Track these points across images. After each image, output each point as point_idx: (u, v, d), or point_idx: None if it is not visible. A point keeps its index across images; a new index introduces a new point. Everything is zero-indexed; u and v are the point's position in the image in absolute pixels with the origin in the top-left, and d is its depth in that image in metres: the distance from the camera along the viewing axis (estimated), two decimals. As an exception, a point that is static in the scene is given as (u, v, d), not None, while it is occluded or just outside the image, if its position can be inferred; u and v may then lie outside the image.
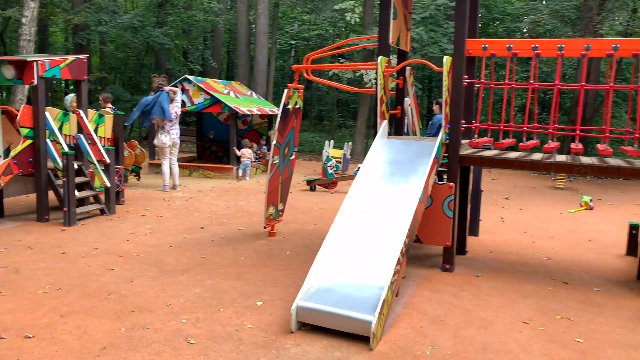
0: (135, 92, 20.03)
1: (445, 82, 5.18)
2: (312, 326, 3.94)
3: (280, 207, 6.81)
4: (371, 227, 4.59)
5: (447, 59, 5.17)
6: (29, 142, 6.91)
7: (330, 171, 10.65)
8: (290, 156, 6.72)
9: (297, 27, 27.18)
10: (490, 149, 6.11)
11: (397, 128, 6.23)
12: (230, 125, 12.09)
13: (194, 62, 21.95)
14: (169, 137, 9.68)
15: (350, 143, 13.36)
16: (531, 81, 5.38)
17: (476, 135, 5.74)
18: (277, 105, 22.48)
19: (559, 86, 5.21)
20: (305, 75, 6.24)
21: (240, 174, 11.67)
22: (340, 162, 11.58)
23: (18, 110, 6.99)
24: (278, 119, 6.12)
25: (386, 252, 4.31)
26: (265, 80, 16.92)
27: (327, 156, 10.79)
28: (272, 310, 4.29)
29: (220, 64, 23.14)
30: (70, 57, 7.41)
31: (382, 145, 5.38)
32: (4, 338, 3.63)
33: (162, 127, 9.72)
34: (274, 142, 6.17)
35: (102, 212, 7.66)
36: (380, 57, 5.36)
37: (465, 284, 5.10)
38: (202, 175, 12.05)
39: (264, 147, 13.64)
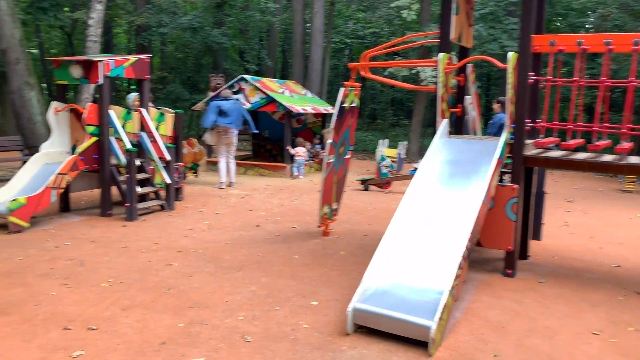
0: (194, 92, 20.52)
1: (510, 79, 4.98)
2: (368, 329, 3.87)
3: (334, 206, 6.76)
4: (429, 229, 4.46)
5: (512, 55, 4.96)
6: (94, 139, 7.17)
7: (384, 171, 10.52)
8: (345, 155, 6.66)
9: (351, 25, 27.07)
10: (554, 149, 5.83)
11: (457, 127, 6.05)
12: (285, 124, 12.16)
13: (250, 62, 22.27)
14: (211, 136, 9.87)
15: (405, 142, 13.15)
16: (603, 78, 5.08)
17: (542, 135, 5.49)
18: (332, 104, 22.50)
19: (634, 83, 4.89)
20: (362, 73, 6.16)
21: (294, 173, 11.72)
22: (395, 162, 11.41)
23: (84, 109, 7.25)
24: (334, 118, 6.07)
25: (446, 255, 4.17)
26: (320, 79, 16.94)
27: (382, 155, 10.66)
28: (327, 311, 4.24)
29: (275, 63, 23.37)
30: (134, 57, 7.64)
31: (442, 145, 5.23)
32: (69, 329, 3.75)
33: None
34: (329, 140, 6.12)
35: (162, 208, 7.85)
36: (441, 54, 5.21)
37: (528, 290, 4.88)
38: (257, 173, 12.18)
39: (318, 145, 13.65)
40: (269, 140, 13.91)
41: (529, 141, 5.38)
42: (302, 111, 12.06)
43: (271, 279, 4.97)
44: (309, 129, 13.79)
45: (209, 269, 5.23)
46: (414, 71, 14.50)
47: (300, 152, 11.97)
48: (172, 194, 7.97)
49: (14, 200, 6.32)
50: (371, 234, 6.82)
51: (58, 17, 15.91)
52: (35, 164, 7.18)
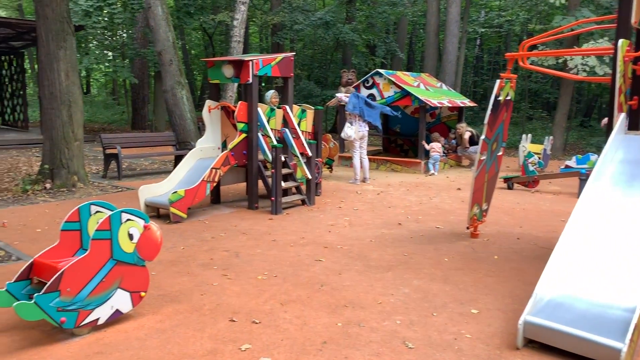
0: (325, 88, 20.84)
1: (620, 67, 4.29)
2: (540, 344, 3.54)
3: (484, 206, 6.39)
4: (612, 237, 3.98)
5: (622, 43, 4.28)
6: (243, 135, 7.47)
7: (531, 168, 9.81)
8: (498, 152, 6.25)
9: (484, 14, 25.81)
10: None
11: (630, 122, 5.38)
12: (420, 118, 11.84)
13: (378, 56, 22.13)
14: (354, 130, 9.76)
15: (551, 137, 12.20)
16: None
17: None
18: (467, 97, 21.62)
19: None
20: (521, 63, 5.72)
21: (430, 169, 11.38)
22: (541, 158, 10.60)
23: (235, 106, 7.59)
24: (488, 112, 5.71)
25: (635, 269, 3.69)
26: (454, 71, 16.32)
27: (529, 152, 9.94)
28: (489, 321, 3.97)
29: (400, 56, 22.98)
30: (280, 56, 7.83)
31: (619, 142, 4.67)
32: (235, 321, 3.88)
33: (350, 120, 9.83)
34: (482, 136, 5.77)
35: (303, 202, 8.00)
36: (621, 40, 4.64)
37: None
38: (389, 169, 12.02)
39: (453, 141, 13.14)
40: (401, 135, 13.68)
41: None
42: (438, 105, 11.67)
43: (423, 282, 4.78)
44: (444, 123, 13.33)
45: (357, 267, 5.18)
46: (561, 60, 13.38)
47: (436, 147, 11.60)
48: (313, 189, 8.08)
49: (174, 192, 6.78)
50: (524, 238, 6.35)
51: (203, 20, 16.97)
52: (191, 158, 7.65)
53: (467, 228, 6.33)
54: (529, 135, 12.13)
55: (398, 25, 23.79)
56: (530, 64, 13.90)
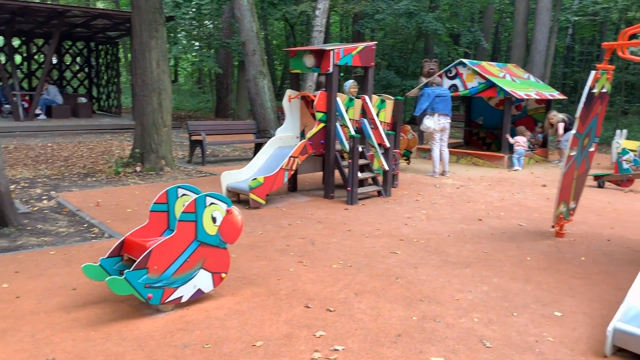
0: (405, 78, 20.54)
1: None
2: (630, 354, 3.32)
3: (572, 205, 6.05)
4: None
5: None
6: (322, 125, 7.52)
7: (626, 166, 9.17)
8: (590, 148, 5.89)
9: (577, 1, 24.27)
10: None
11: None
12: (505, 110, 11.38)
13: (462, 45, 21.45)
14: (433, 122, 9.54)
15: (649, 133, 11.32)
16: None
17: None
18: (557, 89, 20.54)
19: None
20: (620, 53, 5.33)
21: (514, 164, 10.93)
22: (637, 156, 9.88)
23: (314, 96, 7.64)
24: (580, 105, 5.38)
25: None
26: (543, 62, 15.52)
27: (623, 148, 9.30)
28: (574, 325, 3.77)
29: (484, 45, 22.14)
30: (361, 45, 7.79)
31: None
32: (310, 307, 3.94)
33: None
34: (573, 131, 5.45)
35: (379, 194, 7.95)
36: None
37: None
38: (470, 163, 11.67)
39: (540, 135, 12.54)
40: (483, 128, 13.22)
41: None
42: (525, 97, 11.15)
43: (503, 281, 4.62)
44: (530, 116, 12.74)
45: (434, 261, 5.09)
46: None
47: (521, 141, 11.11)
48: (390, 181, 8.01)
49: (254, 179, 6.96)
50: (615, 240, 5.96)
51: (285, 10, 17.20)
52: (270, 146, 7.81)
53: (553, 227, 6.03)
54: (624, 131, 11.33)
55: (484, 14, 22.94)
56: (631, 54, 12.94)
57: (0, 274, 4.45)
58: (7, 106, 16.08)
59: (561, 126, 11.29)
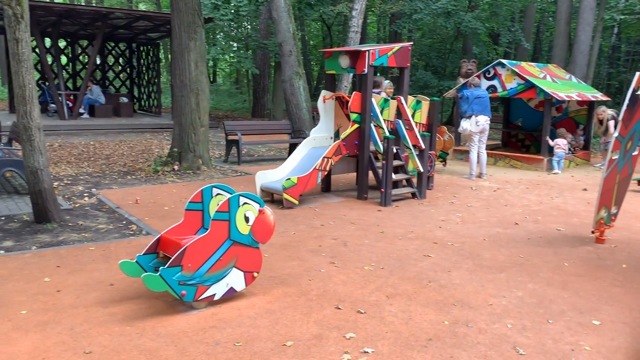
0: (442, 78, 20.29)
1: None
2: (672, 366, 3.20)
3: (613, 210, 5.87)
4: None
5: None
6: (356, 126, 7.51)
7: (672, 171, 8.80)
8: (633, 152, 5.70)
9: (623, 0, 23.46)
10: None
11: None
12: (545, 112, 11.10)
13: (501, 45, 21.04)
14: (470, 124, 9.39)
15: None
16: None
17: None
18: (601, 90, 19.91)
19: None
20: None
21: (554, 167, 10.66)
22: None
23: (349, 97, 7.64)
24: (624, 108, 5.22)
25: None
26: (586, 62, 15.07)
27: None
28: (612, 334, 3.65)
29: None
30: (397, 46, 7.75)
31: None
32: (340, 309, 3.94)
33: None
34: (615, 134, 5.28)
35: (414, 195, 7.88)
36: None
37: None
38: (507, 165, 11.44)
39: (581, 137, 12.20)
40: (522, 130, 12.94)
41: None
42: (566, 98, 10.86)
43: (539, 287, 4.51)
44: (571, 118, 12.40)
45: (467, 265, 5.01)
46: None
47: (561, 144, 10.83)
48: (424, 183, 7.94)
49: (287, 179, 7.01)
50: (659, 247, 5.75)
51: (323, 11, 17.25)
52: (304, 147, 7.85)
53: (592, 232, 5.86)
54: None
55: (525, 13, 22.44)
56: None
57: (43, 268, 4.62)
58: (52, 105, 16.66)
59: (612, 124, 10.88)
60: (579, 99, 11.26)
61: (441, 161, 10.70)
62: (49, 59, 17.26)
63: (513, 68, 11.16)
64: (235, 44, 21.07)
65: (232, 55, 19.96)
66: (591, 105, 12.02)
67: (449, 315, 3.90)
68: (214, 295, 3.87)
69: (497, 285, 4.51)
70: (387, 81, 8.73)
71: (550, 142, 10.91)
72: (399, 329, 3.64)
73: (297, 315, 3.81)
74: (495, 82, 11.44)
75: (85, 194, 7.60)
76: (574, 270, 4.95)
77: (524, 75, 10.96)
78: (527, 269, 4.96)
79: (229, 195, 3.94)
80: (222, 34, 20.72)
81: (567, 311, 4.03)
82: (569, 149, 11.34)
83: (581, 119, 12.27)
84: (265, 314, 3.83)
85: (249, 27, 21.27)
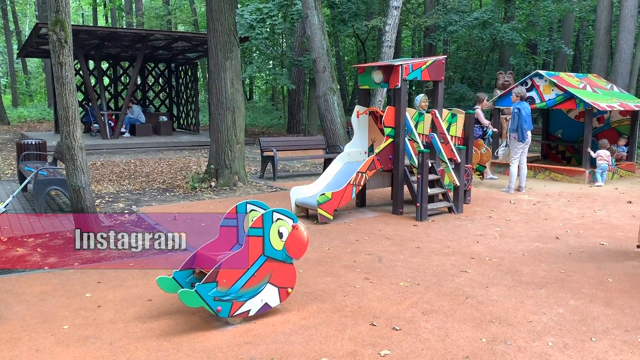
0: (479, 91, 20.05)
1: None
2: None
3: (660, 223, 5.64)
4: None
5: None
6: (390, 140, 7.49)
7: None
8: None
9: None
10: None
11: None
12: (586, 123, 10.81)
13: (539, 56, 20.66)
14: (505, 152, 9.28)
15: None
16: None
17: None
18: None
19: None
20: None
21: (598, 179, 10.34)
22: None
23: (382, 111, 7.64)
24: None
25: None
26: (629, 71, 14.64)
27: None
28: (661, 354, 3.49)
29: (565, 55, 21.19)
30: (431, 59, 7.72)
31: None
32: (375, 325, 3.91)
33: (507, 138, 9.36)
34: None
35: (450, 210, 7.77)
36: None
37: None
38: (548, 178, 11.16)
39: (623, 147, 11.81)
40: (562, 141, 12.62)
41: None
42: (607, 108, 10.55)
43: (581, 303, 4.37)
44: (613, 128, 12.02)
45: (506, 281, 4.90)
46: None
47: (604, 155, 10.51)
48: (461, 197, 7.83)
49: (322, 194, 7.03)
50: None
51: (356, 26, 17.36)
52: (339, 162, 7.87)
53: (638, 247, 5.64)
54: None
55: (563, 23, 22.02)
56: None
57: (84, 284, 4.76)
58: (95, 125, 17.25)
59: None
60: (621, 108, 10.93)
61: (478, 174, 10.53)
62: (92, 81, 17.91)
63: (551, 79, 10.94)
64: (271, 62, 21.39)
65: (267, 72, 20.27)
66: (635, 115, 11.64)
67: (487, 332, 3.81)
68: (249, 311, 3.90)
69: (537, 302, 4.39)
70: (422, 95, 8.67)
71: (592, 154, 10.60)
72: (435, 347, 3.58)
73: (331, 332, 3.79)
74: (533, 94, 11.22)
75: (125, 211, 7.80)
76: (618, 286, 4.77)
77: (563, 86, 10.72)
78: (568, 284, 4.81)
79: (262, 211, 3.98)
80: (257, 52, 21.09)
81: (611, 329, 3.88)
82: (612, 161, 10.99)
83: (624, 129, 11.88)
84: (300, 330, 3.82)
85: (284, 44, 21.58)
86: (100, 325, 3.89)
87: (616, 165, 11.27)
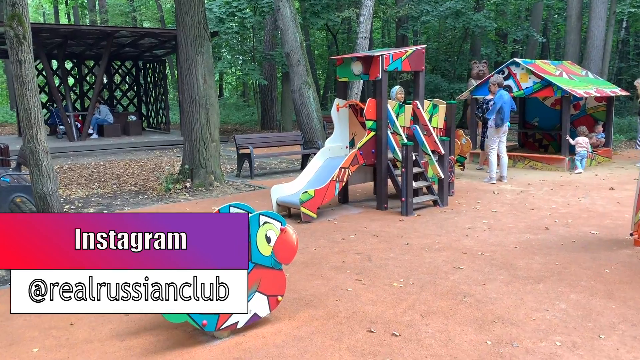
0: (452, 81, 20.03)
1: None
2: None
3: (652, 210, 5.54)
4: None
5: None
6: (372, 134, 7.25)
7: None
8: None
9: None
10: None
11: None
12: (563, 110, 10.78)
13: (509, 44, 20.72)
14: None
15: None
16: None
17: None
18: (619, 85, 19.48)
19: None
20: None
21: (578, 166, 10.31)
22: None
23: (363, 104, 7.39)
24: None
25: None
26: (601, 57, 14.73)
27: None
28: (673, 349, 3.34)
29: (535, 43, 21.30)
30: (411, 49, 7.50)
31: None
32: (373, 332, 3.66)
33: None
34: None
35: (435, 203, 7.60)
36: None
37: None
38: (527, 166, 11.11)
39: (600, 134, 11.84)
40: (539, 129, 12.60)
41: None
42: (585, 95, 10.53)
43: (582, 297, 4.21)
44: (589, 115, 12.05)
45: (502, 277, 4.72)
46: None
47: (582, 142, 10.49)
48: (446, 189, 7.66)
49: (304, 192, 6.76)
50: None
51: (328, 18, 17.07)
52: (320, 158, 7.60)
53: (631, 234, 5.54)
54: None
55: (531, 12, 22.14)
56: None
57: (55, 299, 4.39)
58: (61, 127, 16.58)
59: None
60: (598, 94, 10.93)
61: (459, 165, 10.40)
62: (56, 81, 17.21)
63: (528, 67, 10.86)
64: (241, 57, 20.93)
65: (238, 68, 19.81)
66: (610, 101, 11.67)
67: (491, 334, 3.60)
68: (237, 323, 3.61)
69: (537, 298, 4.21)
70: (398, 86, 8.45)
71: (571, 141, 10.58)
72: (439, 353, 3.36)
73: (327, 342, 3.54)
74: (510, 82, 11.12)
75: (96, 217, 7.38)
76: (617, 277, 4.63)
77: (540, 74, 10.65)
78: (566, 277, 4.66)
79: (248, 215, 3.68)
80: (227, 47, 20.60)
81: (617, 324, 3.72)
82: (590, 147, 10.99)
83: (600, 115, 11.91)
84: (293, 341, 3.56)
85: (254, 39, 21.14)
86: (74, 346, 3.56)
87: (594, 151, 11.28)
